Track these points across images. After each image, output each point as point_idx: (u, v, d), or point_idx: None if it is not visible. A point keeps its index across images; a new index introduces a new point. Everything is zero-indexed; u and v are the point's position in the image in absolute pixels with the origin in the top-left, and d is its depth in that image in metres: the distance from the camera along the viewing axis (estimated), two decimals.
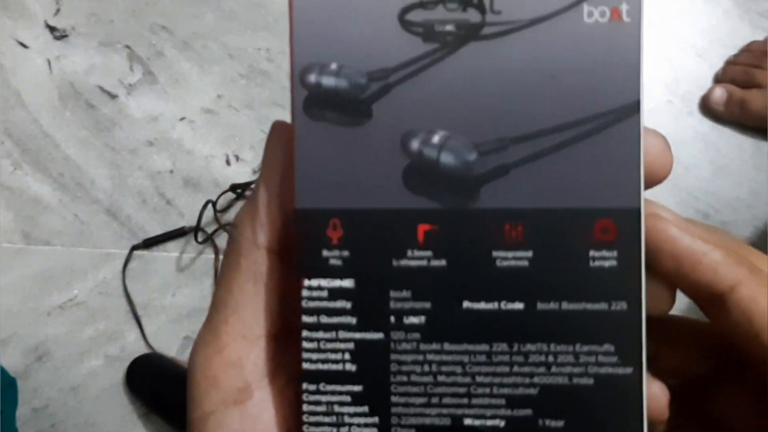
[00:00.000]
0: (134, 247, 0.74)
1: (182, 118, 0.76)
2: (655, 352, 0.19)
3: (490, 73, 0.17)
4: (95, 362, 0.73)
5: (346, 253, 0.17)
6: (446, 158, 0.17)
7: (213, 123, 0.76)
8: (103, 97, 0.77)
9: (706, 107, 0.72)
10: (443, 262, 0.17)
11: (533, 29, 0.17)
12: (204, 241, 0.73)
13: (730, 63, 0.72)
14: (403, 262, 0.17)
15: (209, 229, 0.73)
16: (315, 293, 0.18)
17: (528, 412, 0.17)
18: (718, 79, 0.72)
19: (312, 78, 0.17)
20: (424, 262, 0.17)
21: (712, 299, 0.17)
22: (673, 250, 0.17)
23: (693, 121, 0.72)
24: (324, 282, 0.18)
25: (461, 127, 0.17)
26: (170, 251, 0.75)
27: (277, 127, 0.19)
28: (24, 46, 0.78)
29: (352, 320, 0.18)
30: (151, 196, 0.75)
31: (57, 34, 0.78)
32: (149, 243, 0.74)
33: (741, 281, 0.17)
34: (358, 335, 0.18)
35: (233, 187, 0.73)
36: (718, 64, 0.73)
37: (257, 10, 0.77)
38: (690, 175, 0.71)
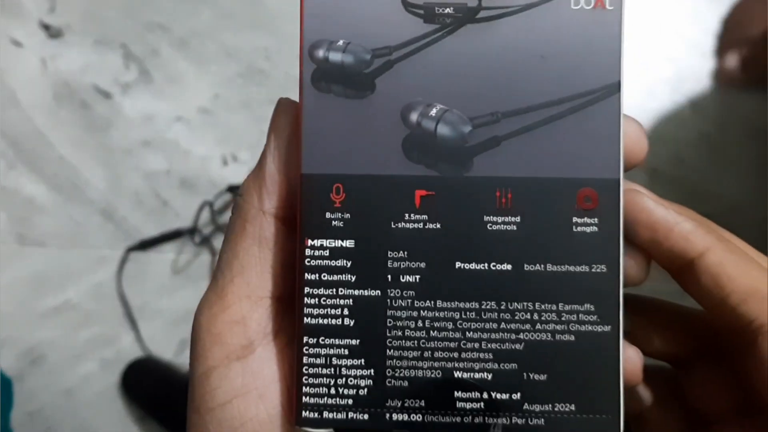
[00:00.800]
0: (130, 249, 0.73)
1: (178, 118, 0.75)
2: (631, 328, 0.20)
3: (485, 53, 0.19)
4: (90, 366, 0.72)
5: (347, 216, 0.19)
6: (443, 130, 0.19)
7: (210, 123, 0.75)
8: (98, 97, 0.76)
9: (724, 77, 0.70)
10: (438, 226, 0.19)
11: (525, 14, 0.19)
12: (201, 243, 0.72)
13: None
14: (401, 225, 0.19)
15: (206, 231, 0.72)
16: (317, 252, 0.19)
17: (514, 366, 0.19)
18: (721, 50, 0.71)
19: (320, 53, 0.19)
20: (420, 225, 0.19)
21: (684, 266, 0.19)
22: (648, 220, 0.19)
23: (697, 122, 0.71)
24: (326, 242, 0.19)
25: (457, 102, 0.19)
26: (166, 253, 0.74)
27: (283, 103, 0.20)
28: (18, 44, 0.77)
29: (352, 278, 0.19)
30: (146, 197, 0.74)
31: (51, 32, 0.77)
32: (145, 244, 0.73)
33: (709, 248, 0.19)
34: (356, 292, 0.19)
35: (230, 188, 0.72)
36: None
37: (255, 8, 0.76)
38: (694, 176, 0.70)
